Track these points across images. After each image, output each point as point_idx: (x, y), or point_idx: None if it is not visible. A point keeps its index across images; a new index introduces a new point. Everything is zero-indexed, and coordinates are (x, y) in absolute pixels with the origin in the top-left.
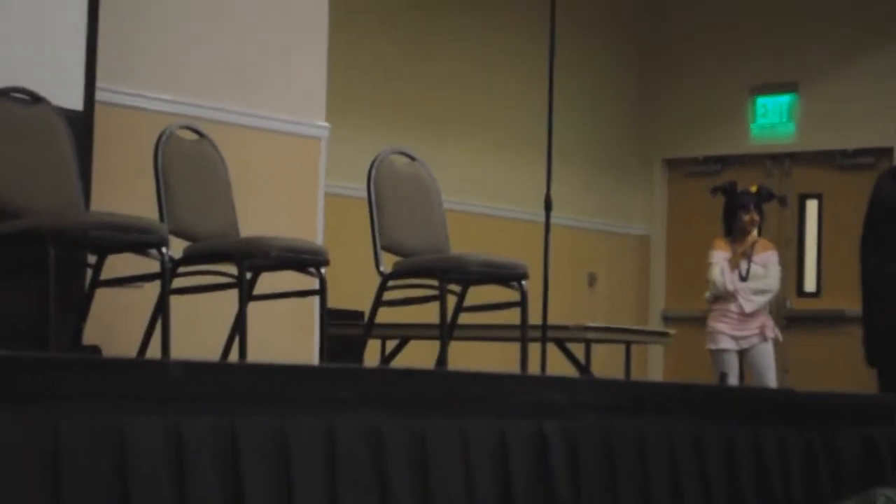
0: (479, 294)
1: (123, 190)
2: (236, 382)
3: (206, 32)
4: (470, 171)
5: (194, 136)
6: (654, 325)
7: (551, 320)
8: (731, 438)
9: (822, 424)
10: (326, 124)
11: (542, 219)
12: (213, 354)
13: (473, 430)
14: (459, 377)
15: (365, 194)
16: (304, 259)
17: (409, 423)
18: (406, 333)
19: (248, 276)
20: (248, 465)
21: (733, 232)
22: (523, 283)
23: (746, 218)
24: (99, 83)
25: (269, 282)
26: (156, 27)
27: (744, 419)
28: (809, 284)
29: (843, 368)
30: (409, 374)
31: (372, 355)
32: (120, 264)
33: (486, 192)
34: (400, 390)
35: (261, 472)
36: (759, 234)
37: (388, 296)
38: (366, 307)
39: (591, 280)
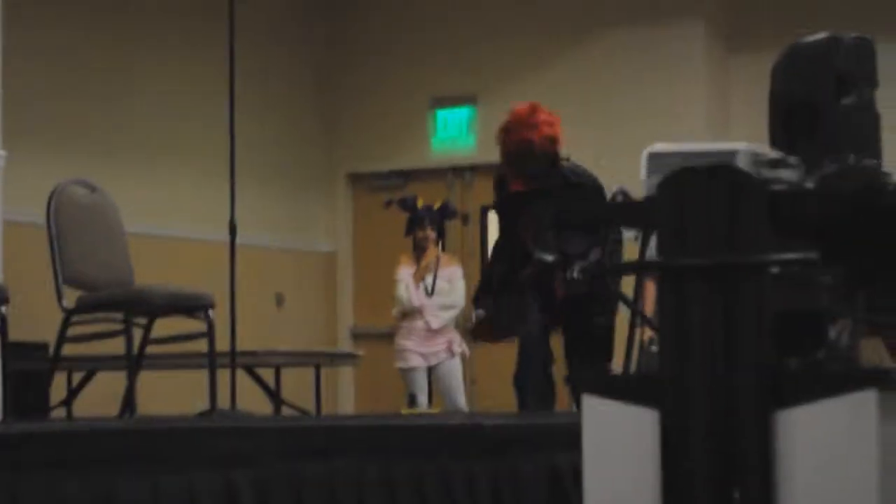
0: (167, 323)
1: None
2: None
3: None
4: (154, 194)
5: None
6: (343, 341)
7: (241, 342)
8: (419, 475)
9: (508, 453)
10: (2, 152)
11: (228, 239)
12: None
13: (163, 484)
14: (146, 434)
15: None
16: None
17: (96, 482)
18: (93, 366)
19: None
20: None
21: (415, 248)
22: (209, 312)
23: (421, 234)
24: None
25: None
26: None
27: (432, 453)
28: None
29: None
30: (94, 433)
31: (59, 388)
32: None
33: (171, 215)
34: (83, 449)
35: None
36: (443, 249)
37: (74, 330)
38: (51, 338)
39: (279, 299)
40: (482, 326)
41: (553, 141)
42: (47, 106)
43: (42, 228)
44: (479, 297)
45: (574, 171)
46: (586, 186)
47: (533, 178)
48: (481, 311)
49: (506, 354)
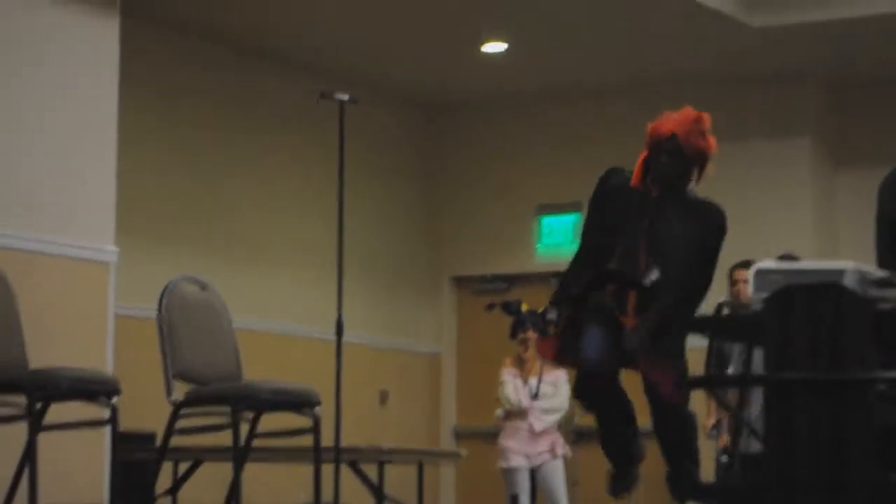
0: (273, 417)
1: None
2: None
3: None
4: (264, 292)
5: None
6: (446, 440)
7: (345, 438)
8: None
9: None
10: (115, 248)
11: (334, 337)
12: (2, 488)
13: None
14: None
15: (156, 315)
16: (95, 389)
17: None
18: (199, 457)
19: (38, 406)
20: None
21: (518, 350)
22: (316, 409)
23: (524, 337)
24: None
25: (58, 411)
26: None
27: None
28: None
29: None
30: None
31: (164, 477)
32: None
33: (277, 312)
34: None
35: None
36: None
37: (182, 422)
38: (158, 427)
39: (383, 398)
40: (547, 338)
41: (700, 152)
42: (159, 203)
43: (152, 322)
44: (556, 296)
45: (704, 199)
46: (706, 219)
47: (659, 176)
48: (553, 315)
49: None
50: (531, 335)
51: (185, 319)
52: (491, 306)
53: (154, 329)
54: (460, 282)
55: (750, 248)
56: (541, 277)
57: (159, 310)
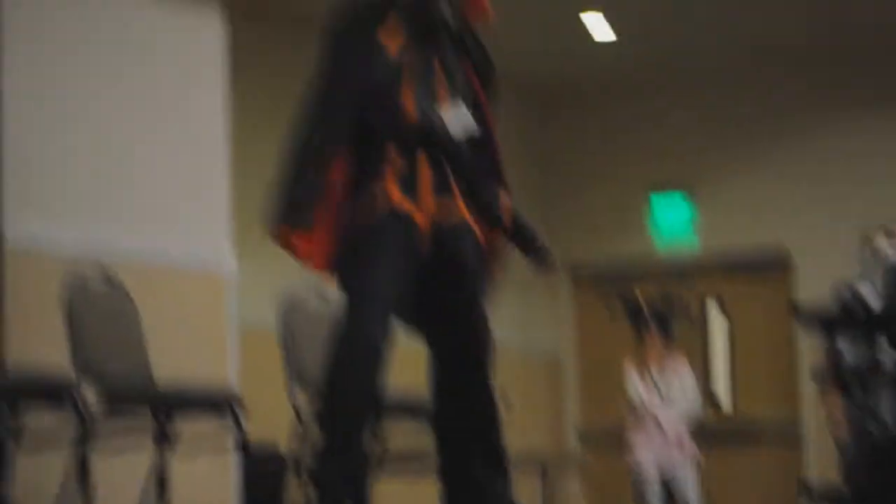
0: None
1: (35, 335)
2: None
3: (115, 169)
4: None
5: (103, 280)
6: (569, 443)
7: None
8: None
9: None
10: (234, 261)
11: None
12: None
13: None
14: None
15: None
16: (220, 403)
17: None
18: None
19: (165, 423)
20: None
21: (641, 346)
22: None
23: (646, 334)
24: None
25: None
26: (63, 162)
27: None
28: (722, 398)
29: (760, 484)
30: None
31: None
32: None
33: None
34: None
35: None
36: (669, 347)
37: None
38: (284, 437)
39: (507, 403)
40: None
41: None
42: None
43: (265, 332)
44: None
45: None
46: None
47: None
48: None
49: (738, 461)
50: (654, 333)
51: (306, 326)
52: (612, 310)
53: (272, 339)
54: (575, 269)
55: (866, 221)
56: (658, 267)
57: (279, 318)
